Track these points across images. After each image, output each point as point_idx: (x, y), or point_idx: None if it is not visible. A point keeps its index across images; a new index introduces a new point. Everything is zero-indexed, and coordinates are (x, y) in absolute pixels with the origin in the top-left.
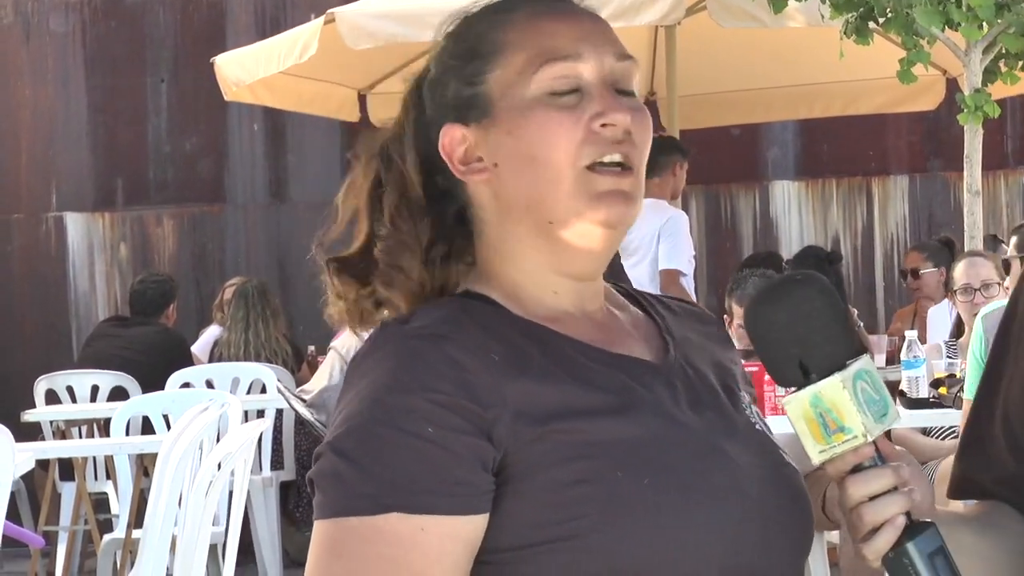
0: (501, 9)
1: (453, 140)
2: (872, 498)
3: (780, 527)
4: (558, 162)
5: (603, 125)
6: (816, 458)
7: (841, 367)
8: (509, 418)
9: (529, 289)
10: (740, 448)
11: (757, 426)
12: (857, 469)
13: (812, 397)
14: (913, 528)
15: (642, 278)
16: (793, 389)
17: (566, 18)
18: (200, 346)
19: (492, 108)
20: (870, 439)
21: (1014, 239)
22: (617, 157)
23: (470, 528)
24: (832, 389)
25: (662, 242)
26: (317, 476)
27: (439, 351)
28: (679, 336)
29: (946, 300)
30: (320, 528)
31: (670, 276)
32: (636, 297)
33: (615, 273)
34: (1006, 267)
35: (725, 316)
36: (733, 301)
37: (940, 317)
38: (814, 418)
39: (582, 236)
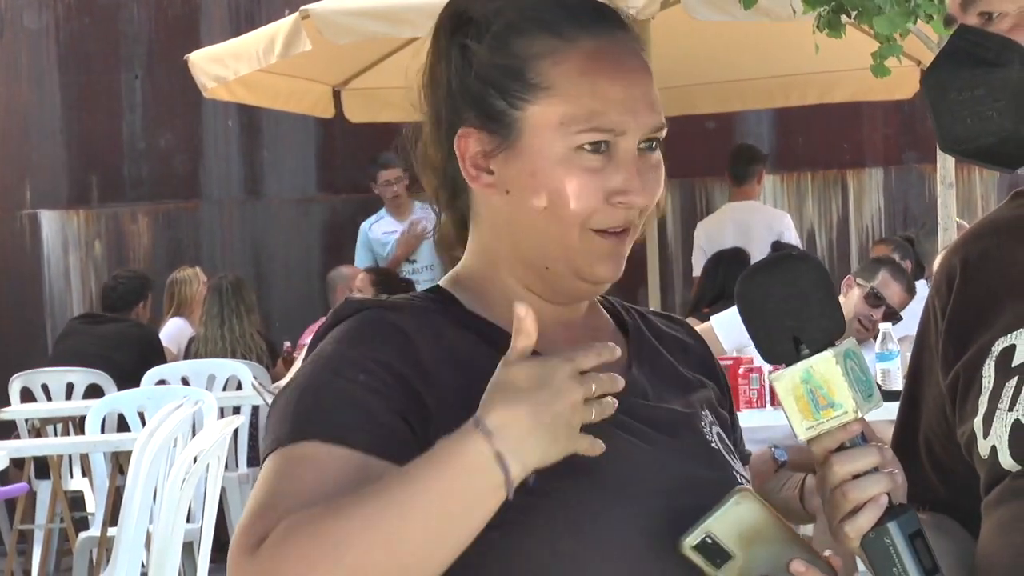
0: (557, 29)
1: (469, 142)
2: (855, 477)
3: None
4: (569, 222)
5: (620, 203)
6: (803, 435)
7: (832, 344)
8: (440, 396)
9: (504, 294)
10: (681, 459)
11: (712, 444)
12: (841, 448)
13: (804, 372)
14: (893, 510)
15: None
16: (782, 365)
17: (620, 79)
18: (166, 337)
19: (520, 138)
20: (860, 415)
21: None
22: (623, 227)
23: (382, 470)
24: (824, 364)
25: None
26: (266, 423)
27: (388, 320)
28: (647, 355)
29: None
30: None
31: None
32: (621, 313)
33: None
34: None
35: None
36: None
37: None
38: (804, 394)
39: (572, 286)
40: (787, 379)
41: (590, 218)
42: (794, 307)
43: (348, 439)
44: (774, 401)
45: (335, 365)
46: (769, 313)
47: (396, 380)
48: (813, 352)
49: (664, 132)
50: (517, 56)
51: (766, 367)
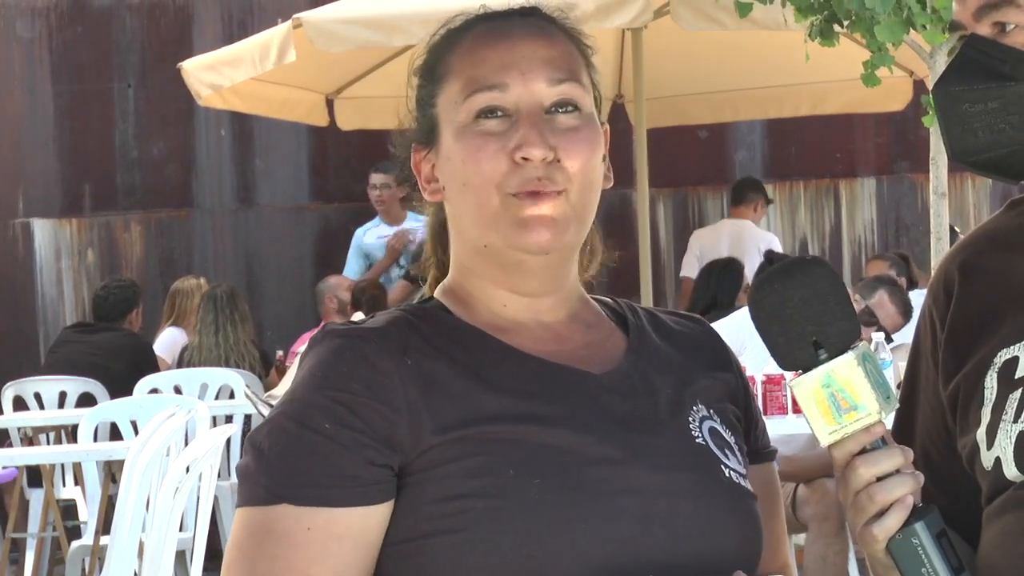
0: (460, 29)
1: (418, 160)
2: (879, 479)
3: (690, 542)
4: (485, 188)
5: (523, 158)
6: (825, 439)
7: (851, 347)
8: (412, 422)
9: (482, 299)
10: (659, 462)
11: (698, 440)
12: (863, 451)
13: (825, 376)
14: (918, 510)
15: None
16: (799, 372)
17: (502, 43)
18: (161, 347)
19: (439, 133)
20: (884, 417)
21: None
22: (541, 188)
23: (361, 521)
24: (847, 367)
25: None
26: (237, 467)
27: (356, 351)
28: (645, 350)
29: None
30: (235, 516)
31: None
32: (625, 314)
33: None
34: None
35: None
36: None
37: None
38: (825, 399)
39: (514, 261)
40: (808, 384)
41: (503, 181)
42: (814, 311)
43: (320, 498)
44: (767, 410)
45: (301, 413)
46: (788, 318)
47: (360, 421)
48: (831, 356)
49: (571, 94)
50: (430, 62)
51: (759, 376)
